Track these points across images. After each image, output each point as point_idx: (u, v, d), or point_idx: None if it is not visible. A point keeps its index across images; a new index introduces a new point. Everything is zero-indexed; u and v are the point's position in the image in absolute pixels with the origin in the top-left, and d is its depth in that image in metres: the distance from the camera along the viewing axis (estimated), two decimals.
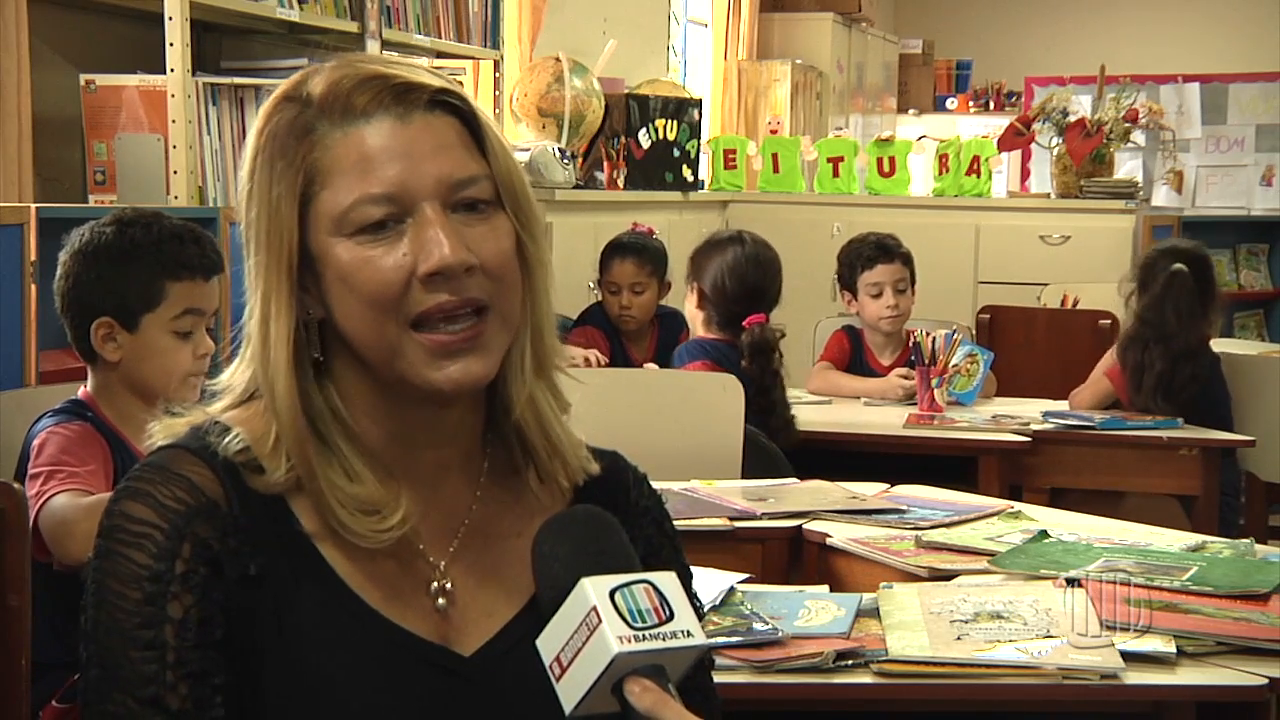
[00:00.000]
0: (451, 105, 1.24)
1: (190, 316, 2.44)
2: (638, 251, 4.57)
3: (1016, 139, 6.82)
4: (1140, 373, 4.13)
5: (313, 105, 1.23)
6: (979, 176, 6.82)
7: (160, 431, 1.27)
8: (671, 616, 1.08)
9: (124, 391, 2.43)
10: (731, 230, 4.09)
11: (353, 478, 1.22)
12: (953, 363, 4.16)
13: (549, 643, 1.09)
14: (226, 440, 1.22)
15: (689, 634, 1.09)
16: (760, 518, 2.69)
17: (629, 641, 1.06)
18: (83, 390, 2.48)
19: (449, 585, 1.26)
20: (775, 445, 3.45)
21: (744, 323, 3.76)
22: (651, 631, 1.07)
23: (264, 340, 1.22)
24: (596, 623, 1.06)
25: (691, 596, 1.25)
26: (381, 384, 1.24)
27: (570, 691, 1.07)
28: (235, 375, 1.28)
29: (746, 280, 3.85)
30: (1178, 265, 4.18)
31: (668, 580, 1.11)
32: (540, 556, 1.14)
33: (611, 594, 1.08)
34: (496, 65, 5.47)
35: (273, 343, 1.22)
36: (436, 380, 1.21)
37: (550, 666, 1.08)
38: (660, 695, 1.06)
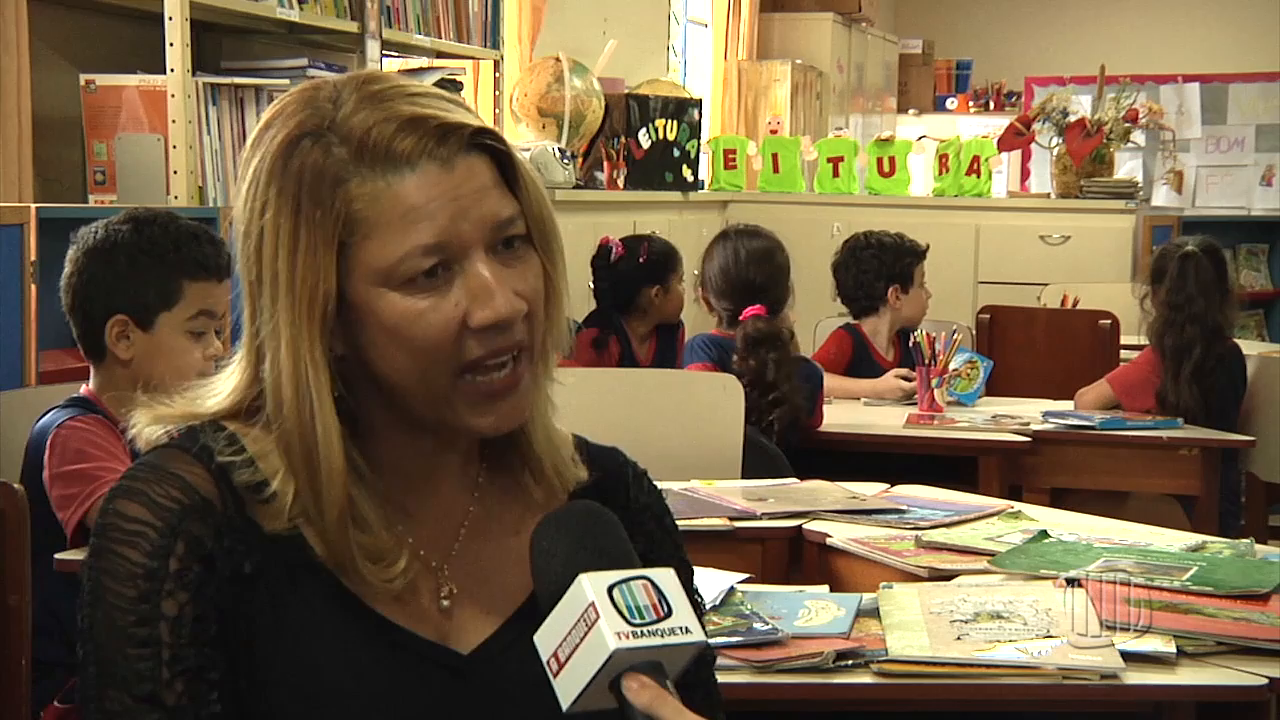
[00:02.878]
0: (485, 144, 1.22)
1: (204, 317, 2.44)
2: None
3: (1016, 139, 6.83)
4: (1180, 357, 4.13)
5: (347, 147, 1.19)
6: (979, 176, 6.82)
7: (144, 420, 1.25)
8: (670, 613, 1.08)
9: (130, 390, 2.41)
10: (727, 227, 4.09)
11: (361, 525, 1.21)
12: (951, 367, 4.16)
13: (546, 638, 1.08)
14: (237, 462, 1.20)
15: (687, 630, 1.08)
16: (760, 518, 2.69)
17: (626, 638, 1.05)
18: (85, 388, 2.47)
19: (450, 586, 1.26)
20: (775, 446, 3.45)
21: (740, 317, 3.76)
22: (649, 628, 1.06)
23: (299, 392, 1.19)
24: (594, 619, 1.06)
25: (692, 592, 1.25)
26: (402, 414, 1.23)
27: (567, 688, 1.07)
28: (227, 382, 1.25)
29: (732, 276, 3.84)
30: (1189, 248, 4.23)
31: (666, 576, 1.10)
32: (538, 552, 1.13)
33: (609, 590, 1.07)
34: (496, 65, 5.46)
35: (314, 397, 1.19)
36: (481, 426, 1.22)
37: (548, 662, 1.08)
38: (658, 692, 1.06)
